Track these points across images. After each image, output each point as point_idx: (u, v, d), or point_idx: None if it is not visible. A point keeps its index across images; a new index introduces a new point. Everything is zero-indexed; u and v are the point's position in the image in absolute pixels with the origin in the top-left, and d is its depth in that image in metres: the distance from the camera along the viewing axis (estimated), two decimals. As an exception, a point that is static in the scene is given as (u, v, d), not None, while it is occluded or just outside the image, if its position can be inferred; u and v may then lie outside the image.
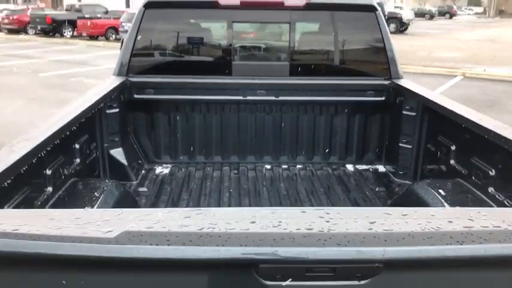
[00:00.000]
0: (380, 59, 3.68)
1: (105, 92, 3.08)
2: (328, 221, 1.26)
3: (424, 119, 3.30)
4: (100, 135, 3.21)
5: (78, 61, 16.77)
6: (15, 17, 29.13)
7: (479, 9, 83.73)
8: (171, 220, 1.26)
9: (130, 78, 3.53)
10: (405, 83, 3.56)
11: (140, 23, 3.50)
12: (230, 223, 1.23)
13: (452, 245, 1.19)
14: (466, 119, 2.59)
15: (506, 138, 2.18)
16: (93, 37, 25.38)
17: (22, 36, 26.98)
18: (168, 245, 1.16)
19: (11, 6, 35.92)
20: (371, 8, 3.57)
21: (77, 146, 2.71)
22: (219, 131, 3.85)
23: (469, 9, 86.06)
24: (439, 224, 1.26)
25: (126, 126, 3.66)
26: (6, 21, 29.19)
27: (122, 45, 4.36)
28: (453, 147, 2.86)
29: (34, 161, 2.02)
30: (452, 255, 1.19)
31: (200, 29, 3.96)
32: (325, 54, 3.95)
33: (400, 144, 3.52)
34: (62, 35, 26.53)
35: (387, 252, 1.17)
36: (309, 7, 3.51)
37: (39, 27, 27.35)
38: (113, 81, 3.39)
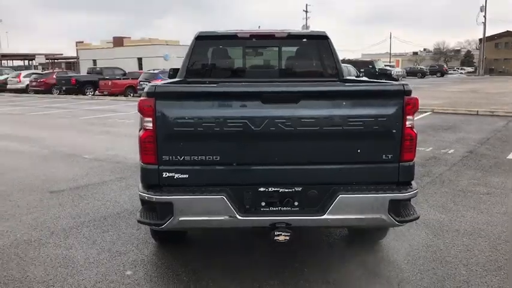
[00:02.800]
0: (332, 67, 5.92)
1: (175, 80, 5.50)
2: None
3: None
4: None
5: (109, 109, 19.38)
6: (42, 79, 32.22)
7: (471, 69, 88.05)
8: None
9: (187, 79, 5.97)
10: (347, 78, 6.00)
11: (193, 47, 5.93)
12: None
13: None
14: (366, 82, 5.02)
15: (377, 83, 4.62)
16: (112, 95, 27.92)
17: (50, 95, 29.80)
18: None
19: (39, 71, 39.67)
20: (325, 37, 5.90)
21: None
22: None
23: (461, 69, 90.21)
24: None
25: None
26: (34, 83, 32.23)
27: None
28: None
29: None
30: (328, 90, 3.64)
31: (227, 51, 6.29)
32: (300, 65, 6.24)
33: None
34: (84, 94, 29.25)
35: (303, 90, 3.61)
36: (288, 37, 5.88)
37: (64, 88, 30.22)
38: (178, 79, 5.85)
